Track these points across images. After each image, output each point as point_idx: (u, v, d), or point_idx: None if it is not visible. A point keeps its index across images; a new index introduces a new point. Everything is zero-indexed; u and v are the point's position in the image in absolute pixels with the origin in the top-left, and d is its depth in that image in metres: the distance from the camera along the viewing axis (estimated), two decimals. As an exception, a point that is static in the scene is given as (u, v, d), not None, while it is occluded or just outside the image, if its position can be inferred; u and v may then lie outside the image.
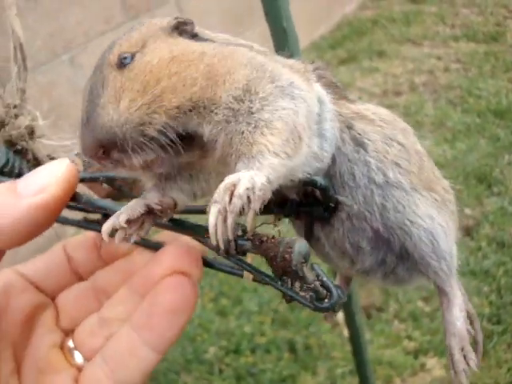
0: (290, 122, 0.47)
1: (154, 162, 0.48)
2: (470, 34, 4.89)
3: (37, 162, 0.65)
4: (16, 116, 0.68)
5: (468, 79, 4.13)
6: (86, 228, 0.59)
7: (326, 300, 0.49)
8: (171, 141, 0.46)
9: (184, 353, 2.24)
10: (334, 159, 0.55)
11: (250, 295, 2.44)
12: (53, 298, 0.57)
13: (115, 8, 3.29)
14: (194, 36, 0.52)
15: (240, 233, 0.46)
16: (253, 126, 0.46)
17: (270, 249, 0.45)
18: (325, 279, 0.50)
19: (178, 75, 0.46)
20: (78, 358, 0.54)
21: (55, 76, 2.98)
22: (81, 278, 0.59)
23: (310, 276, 0.46)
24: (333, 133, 0.54)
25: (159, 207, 0.50)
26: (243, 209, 0.41)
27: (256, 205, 0.41)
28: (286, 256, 0.44)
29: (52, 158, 0.62)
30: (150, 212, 0.50)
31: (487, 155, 3.18)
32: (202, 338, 2.27)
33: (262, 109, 0.47)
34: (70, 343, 0.55)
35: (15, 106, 0.69)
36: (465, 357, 0.61)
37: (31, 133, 0.67)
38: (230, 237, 0.41)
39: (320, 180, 0.53)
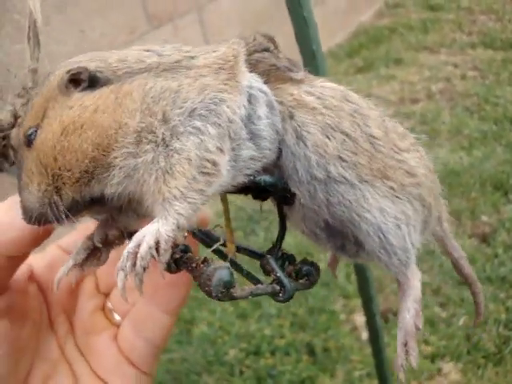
0: (193, 158, 0.46)
1: (87, 214, 0.51)
2: (488, 41, 4.90)
3: None
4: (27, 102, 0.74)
5: (485, 87, 4.15)
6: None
7: (281, 295, 0.53)
8: (88, 203, 0.49)
9: (205, 355, 2.30)
10: (280, 150, 0.53)
11: (270, 299, 2.48)
12: None
13: (139, 18, 3.39)
14: (92, 82, 0.48)
15: (179, 254, 0.50)
16: (154, 176, 0.46)
17: (196, 277, 0.48)
18: (278, 274, 0.54)
19: (69, 151, 0.46)
20: (117, 317, 0.63)
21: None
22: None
23: (240, 294, 0.49)
24: (271, 129, 0.52)
25: (101, 245, 0.53)
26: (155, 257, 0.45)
27: (164, 258, 0.45)
28: (206, 289, 0.47)
29: None
30: (98, 247, 0.54)
31: (504, 162, 3.21)
32: (222, 341, 2.34)
33: (157, 157, 0.46)
34: (109, 304, 0.64)
35: (25, 93, 0.74)
36: (407, 351, 0.58)
37: None
38: (138, 289, 0.45)
39: (264, 179, 0.52)
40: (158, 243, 0.45)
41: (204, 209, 0.60)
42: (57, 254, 0.62)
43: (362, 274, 1.18)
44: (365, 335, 2.28)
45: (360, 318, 2.36)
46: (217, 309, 2.48)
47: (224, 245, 0.57)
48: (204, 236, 0.60)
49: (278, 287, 0.53)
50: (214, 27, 3.87)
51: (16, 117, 0.73)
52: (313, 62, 0.87)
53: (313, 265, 0.58)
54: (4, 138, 0.70)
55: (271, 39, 0.56)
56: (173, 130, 0.47)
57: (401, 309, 0.59)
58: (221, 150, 0.48)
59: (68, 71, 0.48)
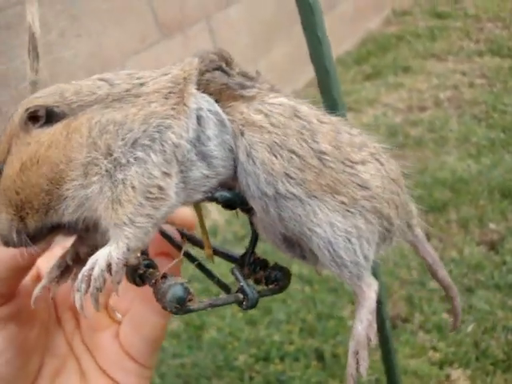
0: (137, 186, 0.49)
1: (55, 237, 0.55)
2: (495, 49, 4.92)
3: None
4: None
5: (493, 94, 4.16)
6: None
7: (244, 303, 0.57)
8: (53, 229, 0.53)
9: (215, 360, 2.33)
10: (235, 166, 0.55)
11: (279, 305, 2.52)
12: None
13: (150, 27, 3.45)
14: (50, 117, 0.51)
15: (142, 269, 0.54)
16: (103, 205, 0.49)
17: (154, 293, 0.52)
18: (241, 284, 0.57)
19: (27, 185, 0.50)
20: (118, 315, 0.67)
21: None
22: None
23: (198, 307, 0.53)
24: (223, 147, 0.53)
25: (71, 263, 0.57)
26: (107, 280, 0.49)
27: (116, 277, 0.48)
28: (162, 305, 0.51)
29: None
30: (71, 265, 0.58)
31: (512, 170, 3.23)
32: (232, 346, 2.37)
33: (103, 187, 0.49)
34: (111, 303, 0.68)
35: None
36: (357, 362, 0.58)
37: None
38: (95, 307, 0.49)
39: (220, 194, 0.54)
40: (109, 265, 0.48)
41: (188, 213, 0.64)
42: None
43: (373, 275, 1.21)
44: (373, 342, 2.30)
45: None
46: (226, 315, 2.51)
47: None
48: (193, 241, 0.65)
49: (241, 296, 0.57)
50: (224, 36, 3.92)
51: None
52: (326, 78, 0.91)
53: (282, 270, 0.60)
54: None
55: (223, 56, 0.57)
56: (115, 162, 0.50)
57: (355, 319, 0.59)
58: (167, 175, 0.50)
59: (26, 110, 0.51)
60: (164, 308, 0.51)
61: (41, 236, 0.53)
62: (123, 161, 0.49)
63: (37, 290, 0.56)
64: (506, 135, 3.61)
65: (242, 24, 4.08)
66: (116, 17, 3.13)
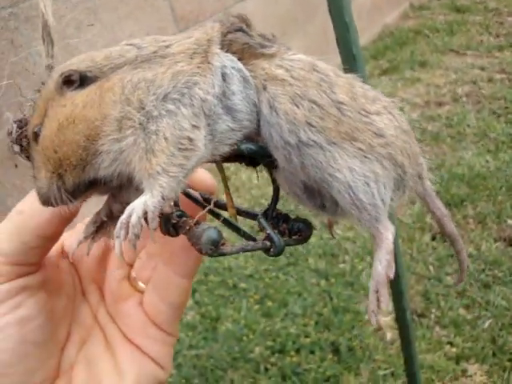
0: (169, 137, 0.52)
1: (92, 194, 0.58)
2: (516, 44, 4.86)
3: None
4: None
5: (512, 90, 4.11)
6: None
7: (272, 249, 0.58)
8: (90, 185, 0.56)
9: (231, 351, 2.35)
10: (258, 120, 0.58)
11: (295, 298, 2.53)
12: None
13: (166, 20, 3.46)
14: (83, 80, 0.54)
15: (175, 219, 0.56)
16: (138, 156, 0.53)
17: (189, 238, 0.54)
18: (268, 231, 0.59)
19: (65, 143, 0.53)
20: (141, 284, 0.70)
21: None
22: None
23: (231, 250, 0.55)
24: (247, 102, 0.57)
25: (106, 219, 0.60)
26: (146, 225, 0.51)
27: (153, 225, 0.51)
28: (197, 247, 0.53)
29: None
30: (106, 221, 0.61)
31: (531, 166, 3.19)
32: (248, 338, 2.38)
33: (137, 139, 0.53)
34: (133, 273, 0.70)
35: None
36: (377, 300, 0.62)
37: None
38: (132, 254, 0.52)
39: (246, 147, 0.57)
40: (145, 213, 0.51)
41: (210, 179, 0.66)
42: None
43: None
44: (389, 336, 2.30)
45: (384, 319, 2.38)
46: (242, 307, 2.53)
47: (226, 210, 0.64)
48: (216, 204, 0.66)
49: (268, 243, 0.58)
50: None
51: None
52: (353, 65, 0.91)
53: (304, 221, 0.63)
54: None
55: (244, 19, 0.61)
56: (148, 115, 0.53)
57: (374, 260, 0.63)
58: (196, 127, 0.53)
59: (61, 74, 0.54)
60: (199, 250, 0.53)
61: (78, 192, 0.55)
62: (155, 113, 0.53)
63: (74, 245, 0.60)
64: (525, 131, 3.57)
65: (258, 18, 4.07)
66: (132, 10, 3.15)
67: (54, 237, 0.60)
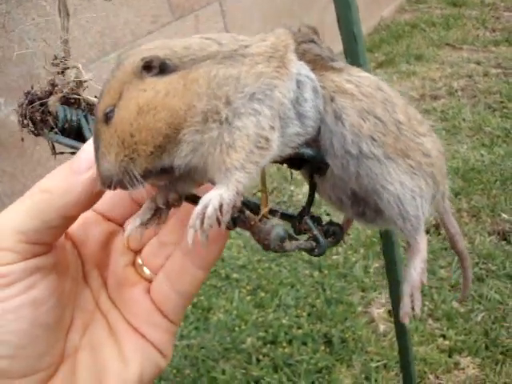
0: (251, 134, 0.54)
1: (154, 181, 0.59)
2: (512, 39, 4.85)
3: (90, 107, 0.76)
4: (63, 72, 0.79)
5: (508, 84, 4.10)
6: None
7: (316, 250, 0.61)
8: (158, 173, 0.57)
9: (222, 342, 2.33)
10: (319, 128, 0.61)
11: (288, 289, 2.52)
12: (121, 225, 0.70)
13: (162, 8, 3.41)
14: (162, 69, 0.55)
15: (236, 214, 0.56)
16: (219, 149, 0.54)
17: (255, 233, 0.56)
18: (315, 232, 0.62)
19: (145, 129, 0.53)
20: (147, 272, 0.68)
21: (104, 73, 3.12)
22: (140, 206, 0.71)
23: (290, 247, 0.57)
24: (315, 110, 0.60)
25: (164, 206, 0.60)
26: (219, 222, 0.52)
27: (226, 218, 0.52)
28: (265, 242, 0.55)
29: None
30: (161, 209, 0.61)
31: (526, 161, 3.19)
32: (240, 329, 2.36)
33: (222, 133, 0.54)
34: (139, 260, 0.69)
35: (59, 62, 0.78)
36: (412, 302, 0.68)
37: (79, 83, 0.77)
38: (203, 244, 0.52)
39: (307, 152, 0.61)
40: (221, 206, 0.51)
41: None
42: (88, 214, 0.67)
43: (389, 255, 1.19)
44: (382, 328, 2.29)
45: (377, 311, 2.37)
46: (234, 297, 2.51)
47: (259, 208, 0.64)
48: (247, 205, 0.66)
49: (313, 243, 0.61)
50: (236, 19, 3.88)
51: (53, 85, 0.77)
52: (353, 44, 0.89)
53: (338, 225, 0.66)
54: (42, 104, 0.75)
55: (315, 31, 0.63)
56: (235, 111, 0.54)
57: (409, 266, 0.69)
58: (273, 128, 0.55)
59: (142, 58, 0.54)
60: (267, 246, 0.54)
61: (147, 178, 0.55)
62: (242, 110, 0.54)
63: (131, 230, 0.60)
64: (520, 125, 3.56)
65: (254, 8, 4.03)
66: (129, -4, 3.10)
67: (75, 218, 0.59)
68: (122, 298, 0.66)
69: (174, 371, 2.26)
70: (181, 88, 0.54)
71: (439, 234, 2.74)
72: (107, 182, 0.54)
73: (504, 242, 2.66)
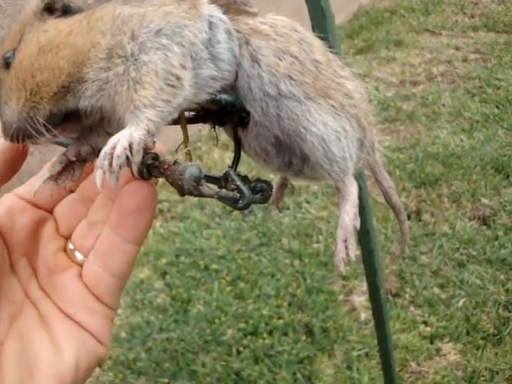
0: (159, 71, 0.53)
1: (62, 132, 0.56)
2: (490, 24, 4.85)
3: None
4: None
5: (487, 69, 4.10)
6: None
7: (240, 201, 0.58)
8: (64, 119, 0.54)
9: (202, 334, 2.29)
10: (236, 74, 0.60)
11: (268, 279, 2.48)
12: (50, 212, 0.67)
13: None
14: (65, 11, 0.54)
15: (150, 161, 0.54)
16: (126, 86, 0.52)
17: (169, 176, 0.53)
18: (238, 183, 0.59)
19: (46, 68, 0.51)
20: (79, 256, 0.65)
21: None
22: (71, 191, 0.68)
23: (207, 192, 0.54)
24: (230, 52, 0.59)
25: (75, 158, 0.59)
26: (129, 161, 0.50)
27: (136, 158, 0.50)
28: (179, 183, 0.52)
29: None
30: (73, 162, 0.59)
31: (505, 145, 3.18)
32: (219, 321, 2.32)
33: (128, 69, 0.53)
34: (70, 245, 0.66)
35: None
36: (346, 247, 0.66)
37: None
38: (114, 186, 0.51)
39: (224, 98, 0.59)
40: (131, 145, 0.50)
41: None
42: (14, 201, 0.64)
43: (365, 243, 1.15)
44: (363, 316, 2.27)
45: (359, 299, 2.35)
46: (214, 288, 2.46)
47: None
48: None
49: (238, 195, 0.59)
50: None
51: None
52: (322, 20, 0.84)
53: (266, 182, 0.64)
54: None
55: None
56: (141, 46, 0.53)
57: (341, 212, 0.67)
58: (183, 67, 0.54)
59: (43, 0, 0.53)
60: (181, 187, 0.52)
61: (52, 124, 0.53)
62: (149, 45, 0.53)
63: (38, 184, 0.58)
64: (499, 110, 3.56)
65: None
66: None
67: None
68: (53, 285, 0.63)
69: (153, 365, 2.21)
70: (84, 26, 0.52)
71: (420, 220, 2.73)
72: (11, 132, 0.51)
73: (484, 227, 2.66)
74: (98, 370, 2.25)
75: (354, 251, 0.66)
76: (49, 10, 0.53)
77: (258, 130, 0.63)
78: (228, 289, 2.46)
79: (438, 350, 2.09)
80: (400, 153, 3.20)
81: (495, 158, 3.06)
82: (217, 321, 2.32)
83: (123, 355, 2.26)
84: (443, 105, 3.73)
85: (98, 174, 0.50)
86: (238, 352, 2.19)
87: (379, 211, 2.77)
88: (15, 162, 0.57)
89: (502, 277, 2.35)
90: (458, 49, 4.55)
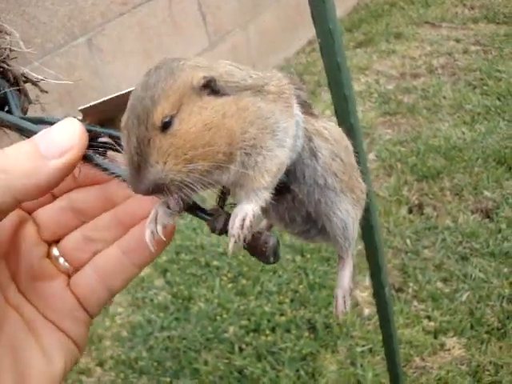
0: (279, 164, 0.62)
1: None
2: (490, 16, 4.80)
3: (16, 83, 0.69)
4: None
5: (488, 61, 4.06)
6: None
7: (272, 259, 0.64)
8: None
9: (204, 332, 2.27)
10: (293, 159, 0.69)
11: (270, 276, 2.46)
12: (30, 213, 0.67)
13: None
14: (217, 91, 0.58)
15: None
16: (257, 171, 0.60)
17: (254, 241, 0.60)
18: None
19: (208, 145, 0.56)
20: (64, 265, 0.67)
21: (73, 59, 2.99)
22: (55, 197, 0.68)
23: (272, 259, 0.61)
24: (300, 146, 0.68)
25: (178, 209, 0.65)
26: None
27: (251, 228, 0.59)
28: (263, 249, 0.59)
29: (26, 78, 0.69)
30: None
31: (507, 137, 3.15)
32: (221, 318, 2.30)
33: (264, 160, 0.61)
34: (55, 251, 0.67)
35: None
36: (344, 303, 0.83)
37: (10, 53, 0.71)
38: (237, 251, 0.58)
39: (281, 177, 0.68)
40: (253, 217, 0.59)
41: None
42: None
43: (370, 241, 1.13)
44: (367, 311, 2.25)
45: (362, 294, 2.33)
46: (215, 285, 2.44)
47: None
48: None
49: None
50: (212, 1, 3.76)
51: None
52: (331, 42, 0.90)
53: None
54: None
55: (302, 80, 0.76)
56: (278, 141, 0.62)
57: (341, 274, 0.84)
58: (289, 158, 0.65)
59: (204, 77, 0.57)
60: (261, 254, 0.59)
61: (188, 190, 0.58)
62: (282, 142, 0.62)
63: (167, 219, 0.62)
64: (500, 102, 3.52)
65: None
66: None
67: (18, 206, 0.54)
68: (36, 291, 0.64)
69: (155, 364, 2.19)
70: (235, 112, 0.58)
71: (422, 213, 2.71)
72: (149, 187, 0.55)
73: (487, 220, 2.63)
74: (99, 369, 2.23)
75: (349, 305, 0.84)
76: (205, 88, 0.58)
77: (295, 204, 0.74)
78: (229, 286, 2.44)
79: (442, 345, 2.07)
80: (401, 146, 3.17)
81: (497, 151, 3.03)
82: (218, 318, 2.31)
83: (125, 354, 2.25)
84: (444, 97, 3.69)
85: (231, 242, 0.57)
86: (241, 349, 2.18)
87: (381, 205, 2.74)
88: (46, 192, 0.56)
89: (506, 270, 2.33)
90: (458, 41, 4.50)
